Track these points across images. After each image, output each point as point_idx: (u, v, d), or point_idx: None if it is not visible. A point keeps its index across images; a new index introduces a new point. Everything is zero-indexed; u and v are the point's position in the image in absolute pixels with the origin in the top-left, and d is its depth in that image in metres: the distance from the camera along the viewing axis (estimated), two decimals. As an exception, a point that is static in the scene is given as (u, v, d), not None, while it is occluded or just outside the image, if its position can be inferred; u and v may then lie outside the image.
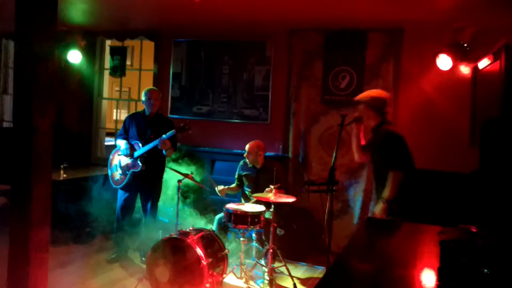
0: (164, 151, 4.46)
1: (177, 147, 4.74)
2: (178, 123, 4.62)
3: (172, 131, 4.31)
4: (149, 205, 4.61)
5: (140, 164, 4.43)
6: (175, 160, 5.27)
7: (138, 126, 4.60)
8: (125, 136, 4.66)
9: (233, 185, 4.88)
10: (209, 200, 5.19)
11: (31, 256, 2.40)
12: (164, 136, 4.30)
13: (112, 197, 4.81)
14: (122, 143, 4.58)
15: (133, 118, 4.72)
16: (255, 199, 4.28)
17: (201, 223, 4.64)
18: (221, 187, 4.67)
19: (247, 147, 4.70)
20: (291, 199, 4.06)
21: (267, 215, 4.30)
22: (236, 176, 4.89)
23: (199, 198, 5.19)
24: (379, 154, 3.48)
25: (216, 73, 5.95)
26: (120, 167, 4.58)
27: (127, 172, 4.51)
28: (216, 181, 4.79)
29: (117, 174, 4.60)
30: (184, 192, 5.03)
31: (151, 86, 5.17)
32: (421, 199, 3.30)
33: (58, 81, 6.39)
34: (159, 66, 6.30)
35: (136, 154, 4.45)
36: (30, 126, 2.40)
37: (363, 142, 3.76)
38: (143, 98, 4.63)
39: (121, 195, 4.64)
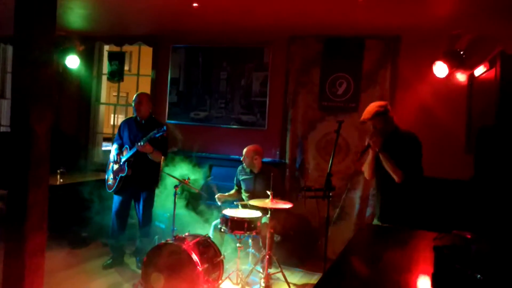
0: (149, 156, 4.43)
1: (167, 153, 4.72)
2: (175, 128, 4.62)
3: (148, 135, 4.26)
4: (141, 211, 4.60)
5: (126, 168, 4.44)
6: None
7: (131, 131, 4.60)
8: (121, 141, 4.67)
9: (232, 191, 4.87)
10: (206, 206, 5.19)
11: (26, 261, 2.40)
12: (141, 142, 4.27)
13: (108, 202, 4.80)
14: (113, 148, 4.63)
15: (126, 123, 4.72)
16: (250, 201, 4.26)
17: (197, 228, 4.63)
18: (219, 195, 4.69)
19: (244, 151, 4.72)
20: (287, 205, 4.06)
21: (264, 220, 4.30)
22: (235, 181, 4.89)
23: (196, 204, 5.19)
24: (399, 156, 3.29)
25: (214, 79, 5.97)
26: (112, 171, 4.61)
27: (116, 176, 4.52)
28: (213, 185, 4.79)
29: (110, 179, 4.63)
30: (180, 198, 5.02)
31: (142, 91, 5.06)
32: (417, 206, 3.30)
33: (56, 86, 6.40)
34: (157, 72, 6.31)
35: (123, 158, 4.48)
36: (27, 130, 2.40)
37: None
38: (132, 103, 4.65)
39: (115, 200, 4.64)
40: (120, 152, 4.55)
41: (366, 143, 3.40)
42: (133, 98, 4.64)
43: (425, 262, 2.11)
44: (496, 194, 3.43)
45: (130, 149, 4.46)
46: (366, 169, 3.52)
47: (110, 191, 4.61)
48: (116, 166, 4.58)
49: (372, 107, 3.41)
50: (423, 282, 1.88)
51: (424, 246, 2.44)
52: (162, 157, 4.69)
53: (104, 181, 4.74)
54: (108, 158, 4.76)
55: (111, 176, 4.60)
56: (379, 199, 3.48)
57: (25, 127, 2.41)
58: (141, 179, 4.53)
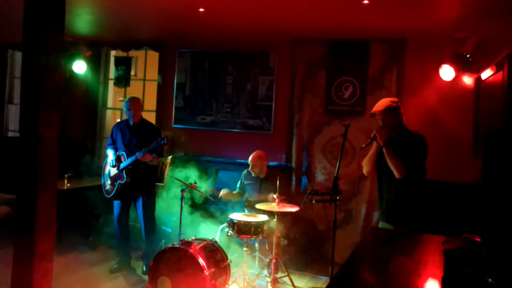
0: (148, 162, 4.44)
1: (163, 154, 4.67)
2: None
3: (149, 146, 4.24)
4: (143, 216, 4.58)
5: (125, 176, 4.42)
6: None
7: (123, 136, 4.58)
8: (114, 145, 4.65)
9: (235, 192, 4.86)
10: (213, 210, 5.19)
11: (35, 265, 2.41)
12: (141, 152, 4.26)
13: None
14: (110, 154, 4.58)
15: (118, 127, 4.67)
16: (258, 204, 4.25)
17: (204, 232, 4.63)
18: (225, 191, 4.67)
19: (250, 160, 4.69)
20: (294, 209, 4.05)
21: (271, 224, 4.29)
22: (238, 185, 4.88)
23: (203, 208, 5.19)
24: (405, 154, 3.23)
25: (220, 83, 5.99)
26: (109, 177, 4.59)
27: (115, 183, 4.51)
28: (219, 190, 4.77)
29: (107, 184, 4.61)
30: (187, 202, 5.03)
31: (132, 95, 4.88)
32: (425, 209, 3.28)
33: (63, 91, 6.43)
34: (163, 76, 6.34)
35: (121, 166, 4.45)
36: (36, 135, 2.42)
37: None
38: (123, 108, 4.59)
39: (115, 206, 4.64)
40: (118, 157, 4.51)
41: (372, 135, 3.35)
42: (124, 104, 4.57)
43: (433, 266, 2.09)
44: (505, 197, 3.41)
45: (127, 156, 4.43)
46: (366, 163, 3.44)
47: (109, 196, 4.59)
48: (113, 171, 4.55)
49: (384, 101, 3.40)
50: (432, 286, 1.86)
51: (432, 250, 2.42)
52: (169, 158, 4.67)
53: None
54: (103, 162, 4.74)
55: (108, 181, 4.58)
56: (382, 199, 3.44)
57: (33, 132, 2.42)
58: (139, 184, 4.51)
